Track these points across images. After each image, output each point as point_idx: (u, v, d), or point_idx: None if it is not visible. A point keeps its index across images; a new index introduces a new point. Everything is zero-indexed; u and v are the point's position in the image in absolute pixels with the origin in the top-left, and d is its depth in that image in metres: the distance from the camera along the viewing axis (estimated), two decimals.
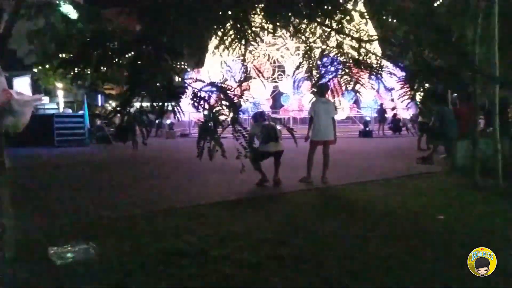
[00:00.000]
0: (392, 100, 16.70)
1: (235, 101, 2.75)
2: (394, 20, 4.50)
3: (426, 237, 3.83)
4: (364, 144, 13.60)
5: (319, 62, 5.14)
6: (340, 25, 4.10)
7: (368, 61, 4.54)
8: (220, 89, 2.57)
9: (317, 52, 5.04)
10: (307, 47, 4.87)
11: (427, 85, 5.44)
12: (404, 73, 4.11)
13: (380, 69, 4.50)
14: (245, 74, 17.67)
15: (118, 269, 3.16)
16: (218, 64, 19.02)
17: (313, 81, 5.76)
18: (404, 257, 3.28)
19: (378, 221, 4.36)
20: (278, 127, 6.58)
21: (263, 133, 6.19)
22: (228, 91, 2.60)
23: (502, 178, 5.70)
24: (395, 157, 9.86)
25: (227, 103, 2.59)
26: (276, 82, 21.07)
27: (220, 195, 5.68)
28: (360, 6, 5.68)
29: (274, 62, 20.99)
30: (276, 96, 22.28)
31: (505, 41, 6.03)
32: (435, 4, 6.47)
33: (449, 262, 3.20)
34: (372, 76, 4.90)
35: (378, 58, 4.66)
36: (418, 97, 4.60)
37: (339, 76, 5.10)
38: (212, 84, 2.61)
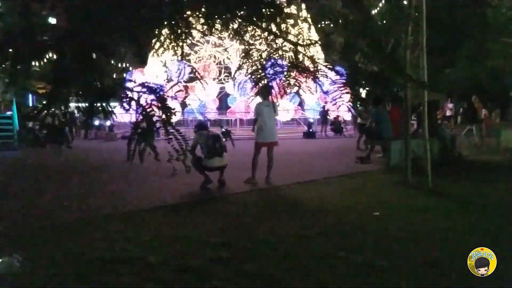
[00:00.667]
0: (326, 102, 17.33)
1: (177, 102, 2.67)
2: (335, 26, 4.66)
3: (364, 233, 4.00)
4: (307, 144, 13.99)
5: (260, 65, 5.19)
6: (279, 29, 4.17)
7: (307, 64, 4.66)
8: (151, 90, 2.47)
9: (258, 54, 5.08)
10: (247, 49, 4.90)
11: (367, 88, 5.72)
12: (339, 77, 4.28)
13: (317, 73, 4.65)
14: (190, 75, 17.36)
15: (50, 280, 2.95)
16: (162, 63, 18.49)
17: (252, 83, 5.81)
18: (343, 253, 3.40)
19: (318, 219, 4.50)
20: (222, 129, 6.52)
21: (207, 145, 6.09)
22: (162, 92, 2.51)
23: (430, 176, 6.15)
24: (336, 157, 10.26)
25: (159, 105, 2.50)
26: (222, 83, 20.97)
27: (161, 199, 5.52)
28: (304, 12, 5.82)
29: (221, 64, 20.87)
30: (223, 98, 22.19)
31: (433, 47, 6.50)
32: (373, 12, 6.81)
33: (385, 255, 3.37)
34: (310, 80, 5.04)
35: (315, 62, 4.81)
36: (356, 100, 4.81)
37: (279, 79, 5.18)
38: (142, 84, 2.51)
